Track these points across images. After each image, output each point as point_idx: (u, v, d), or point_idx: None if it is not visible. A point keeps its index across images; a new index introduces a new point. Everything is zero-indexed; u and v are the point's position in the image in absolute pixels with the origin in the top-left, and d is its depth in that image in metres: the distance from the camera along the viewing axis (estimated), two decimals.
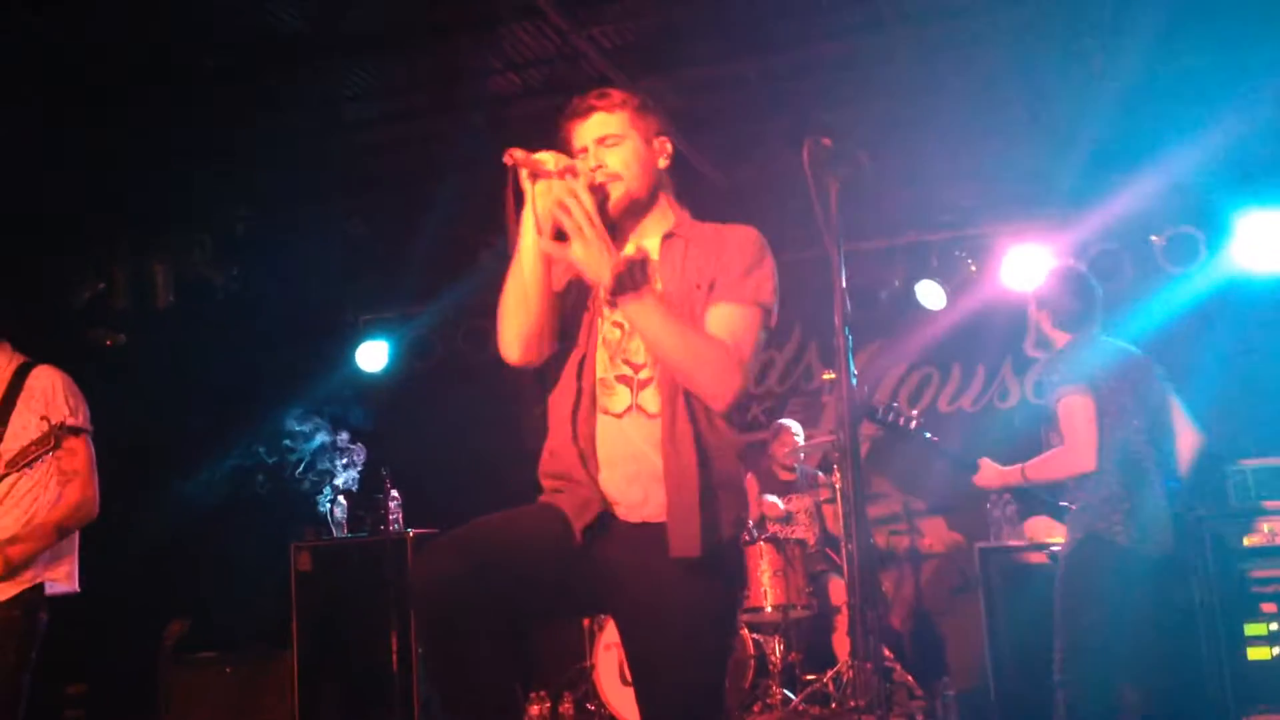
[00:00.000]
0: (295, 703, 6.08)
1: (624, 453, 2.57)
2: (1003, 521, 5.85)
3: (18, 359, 3.77)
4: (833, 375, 4.83)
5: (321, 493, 6.76)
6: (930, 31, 5.09)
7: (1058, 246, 6.23)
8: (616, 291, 2.47)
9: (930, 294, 6.55)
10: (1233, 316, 6.25)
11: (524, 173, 2.52)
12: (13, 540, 3.57)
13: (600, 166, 2.62)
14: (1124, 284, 6.27)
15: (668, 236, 2.67)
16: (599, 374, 2.62)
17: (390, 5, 4.80)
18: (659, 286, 2.62)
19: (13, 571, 3.57)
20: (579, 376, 2.62)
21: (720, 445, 2.58)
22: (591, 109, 2.66)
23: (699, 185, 6.11)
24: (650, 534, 2.52)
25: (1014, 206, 6.34)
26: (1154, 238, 6.20)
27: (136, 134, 5.50)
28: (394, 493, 6.54)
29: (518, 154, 2.51)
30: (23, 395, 3.67)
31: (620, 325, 2.63)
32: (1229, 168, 5.91)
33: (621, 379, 2.61)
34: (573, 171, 2.54)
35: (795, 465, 6.45)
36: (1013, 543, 5.74)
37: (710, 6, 4.91)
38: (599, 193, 2.60)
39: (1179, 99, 5.44)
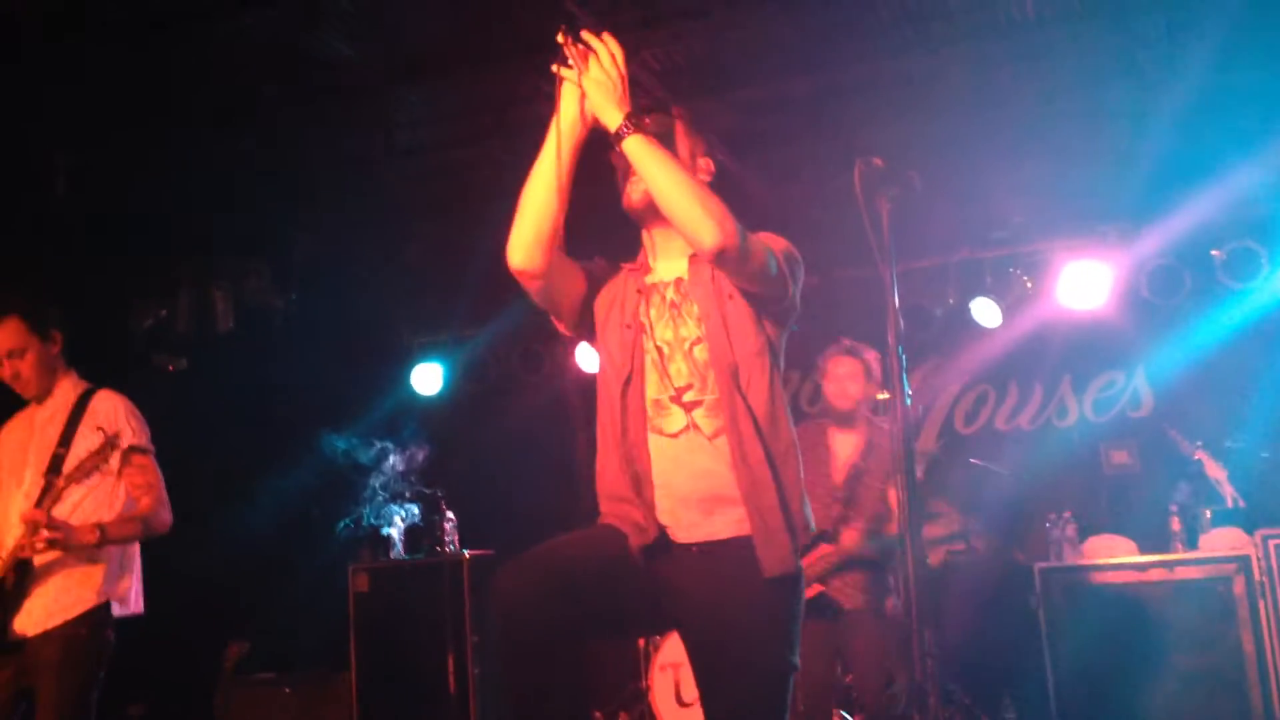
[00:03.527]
0: None
1: (681, 474, 2.58)
2: (1062, 541, 5.78)
3: (82, 385, 3.87)
4: (887, 395, 4.78)
5: (379, 515, 6.81)
6: (984, 48, 5.08)
7: (1115, 262, 6.16)
8: (624, 128, 2.49)
9: (985, 312, 6.49)
10: None
11: (566, 61, 2.54)
12: (109, 524, 3.65)
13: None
14: (1183, 299, 6.19)
15: (692, 257, 2.69)
16: (651, 395, 2.63)
17: (441, 31, 4.86)
18: (697, 309, 2.65)
19: (105, 543, 3.64)
20: (624, 397, 2.64)
21: (784, 452, 2.62)
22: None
23: (748, 205, 6.11)
24: (713, 553, 2.53)
25: (1070, 223, 6.28)
26: (1214, 252, 6.11)
27: (196, 163, 5.62)
28: (449, 514, 6.58)
29: (569, 45, 2.53)
30: (85, 418, 3.76)
31: (661, 350, 2.65)
32: None
33: (674, 400, 2.61)
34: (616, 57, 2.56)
35: None
36: (1073, 562, 5.66)
37: (760, 27, 4.93)
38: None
39: (1238, 112, 5.38)
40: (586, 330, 2.77)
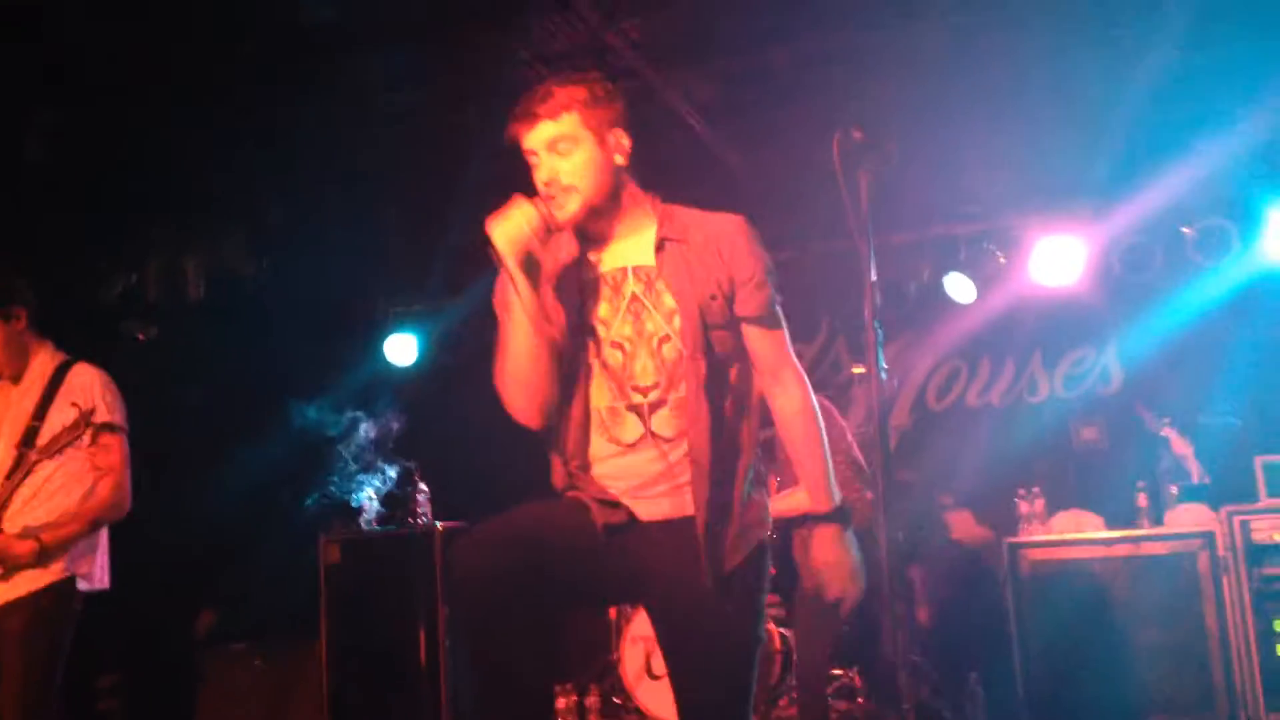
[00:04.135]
0: (325, 694, 6.11)
1: (640, 480, 2.51)
2: (1031, 516, 5.83)
3: (59, 357, 3.83)
4: (862, 369, 4.80)
5: (351, 486, 6.79)
6: (959, 20, 5.06)
7: (1088, 238, 6.19)
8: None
9: (959, 287, 6.52)
10: (1265, 309, 6.19)
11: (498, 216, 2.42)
12: (46, 527, 3.62)
13: (552, 182, 2.48)
14: (1155, 276, 6.23)
15: (663, 243, 2.55)
16: (603, 402, 2.52)
17: None
18: (670, 301, 2.52)
19: (45, 557, 3.61)
20: (577, 402, 2.52)
21: (748, 448, 2.57)
22: (535, 116, 2.48)
23: (726, 178, 6.10)
24: (676, 529, 2.50)
25: (1044, 198, 6.30)
26: (1185, 229, 6.15)
27: (169, 126, 5.55)
28: (422, 486, 6.56)
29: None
30: (61, 390, 3.73)
31: (621, 346, 2.52)
32: (1262, 159, 5.85)
33: (631, 408, 2.51)
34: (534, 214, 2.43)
35: None
36: (1042, 538, 5.71)
37: None
38: (554, 185, 2.48)
39: (1212, 89, 5.39)
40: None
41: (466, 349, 7.46)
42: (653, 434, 2.50)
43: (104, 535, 3.83)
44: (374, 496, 6.70)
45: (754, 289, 2.54)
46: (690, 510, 2.50)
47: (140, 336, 6.52)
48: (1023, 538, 5.75)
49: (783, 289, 2.63)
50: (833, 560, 2.62)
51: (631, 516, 2.51)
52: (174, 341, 6.60)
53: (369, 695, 6.12)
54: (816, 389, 2.71)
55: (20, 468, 3.62)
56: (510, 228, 2.42)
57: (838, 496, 2.63)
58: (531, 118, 2.48)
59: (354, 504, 6.67)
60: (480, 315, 7.22)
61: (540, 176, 2.50)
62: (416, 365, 7.43)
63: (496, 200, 2.47)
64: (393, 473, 6.77)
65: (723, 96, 5.52)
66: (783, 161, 6.14)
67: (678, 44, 5.15)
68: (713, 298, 2.51)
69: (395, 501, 6.62)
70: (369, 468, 6.79)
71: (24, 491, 3.64)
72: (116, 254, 6.43)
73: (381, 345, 7.41)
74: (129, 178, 5.84)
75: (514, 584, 2.31)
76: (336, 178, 6.28)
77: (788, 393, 2.59)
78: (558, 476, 2.60)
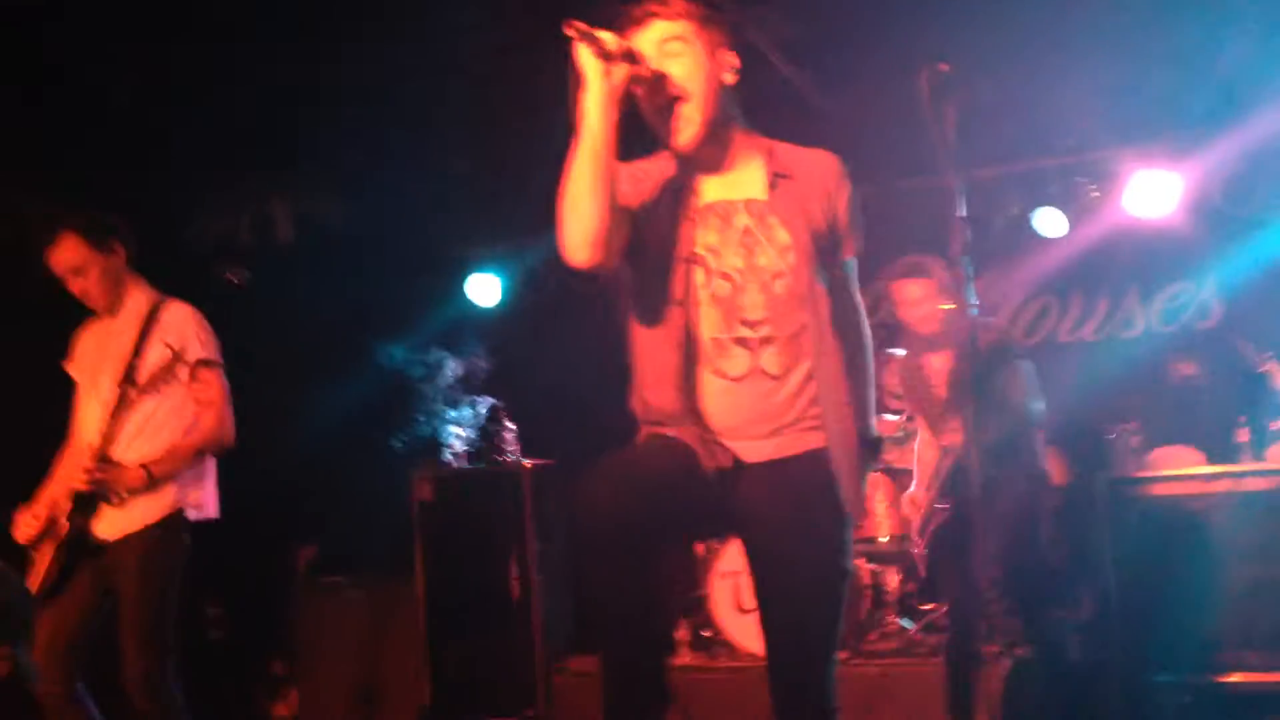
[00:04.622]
0: (420, 628, 6.27)
1: (744, 415, 2.52)
2: (1126, 452, 5.72)
3: (153, 296, 3.94)
4: (951, 305, 4.73)
5: (438, 424, 6.91)
6: None
7: (1186, 171, 6.01)
8: None
9: (1049, 221, 6.38)
10: None
11: (584, 48, 2.37)
12: (153, 461, 3.74)
13: (658, 64, 2.45)
14: (1255, 208, 6.04)
15: (775, 178, 2.55)
16: (709, 334, 2.51)
17: None
18: (784, 236, 2.52)
19: (153, 487, 3.73)
20: (680, 333, 2.49)
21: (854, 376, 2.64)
22: (652, 15, 2.49)
23: (807, 115, 6.02)
24: (777, 467, 2.53)
25: (1140, 130, 6.11)
26: None
27: (256, 76, 5.62)
28: (509, 424, 6.65)
29: (580, 26, 2.36)
30: (156, 328, 3.84)
31: (730, 278, 2.50)
32: None
33: (737, 340, 2.50)
34: (637, 56, 2.40)
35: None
36: (1141, 474, 5.61)
37: None
38: (661, 89, 2.46)
39: None
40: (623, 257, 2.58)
41: (549, 288, 7.51)
42: (761, 369, 2.50)
43: (211, 465, 3.95)
44: (462, 434, 6.81)
45: (851, 227, 2.59)
46: (795, 449, 2.53)
47: (232, 278, 6.67)
48: (1118, 474, 5.64)
49: (869, 226, 2.63)
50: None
51: (737, 460, 2.52)
52: (265, 283, 6.74)
53: (463, 629, 6.27)
54: (897, 327, 2.74)
55: (124, 403, 3.74)
56: (598, 68, 2.38)
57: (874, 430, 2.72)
58: (646, 17, 2.48)
59: (443, 442, 6.79)
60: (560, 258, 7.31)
61: (646, 83, 2.47)
62: (500, 305, 7.50)
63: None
64: (480, 411, 6.86)
65: (805, 32, 5.42)
66: (867, 98, 6.03)
67: None
68: (821, 235, 2.53)
69: (484, 439, 6.72)
70: (456, 406, 6.91)
71: (129, 427, 3.77)
72: (209, 199, 6.56)
73: (465, 286, 7.48)
74: (219, 125, 5.94)
75: (633, 519, 2.35)
76: (420, 122, 6.32)
77: (860, 328, 2.66)
78: (654, 406, 2.57)
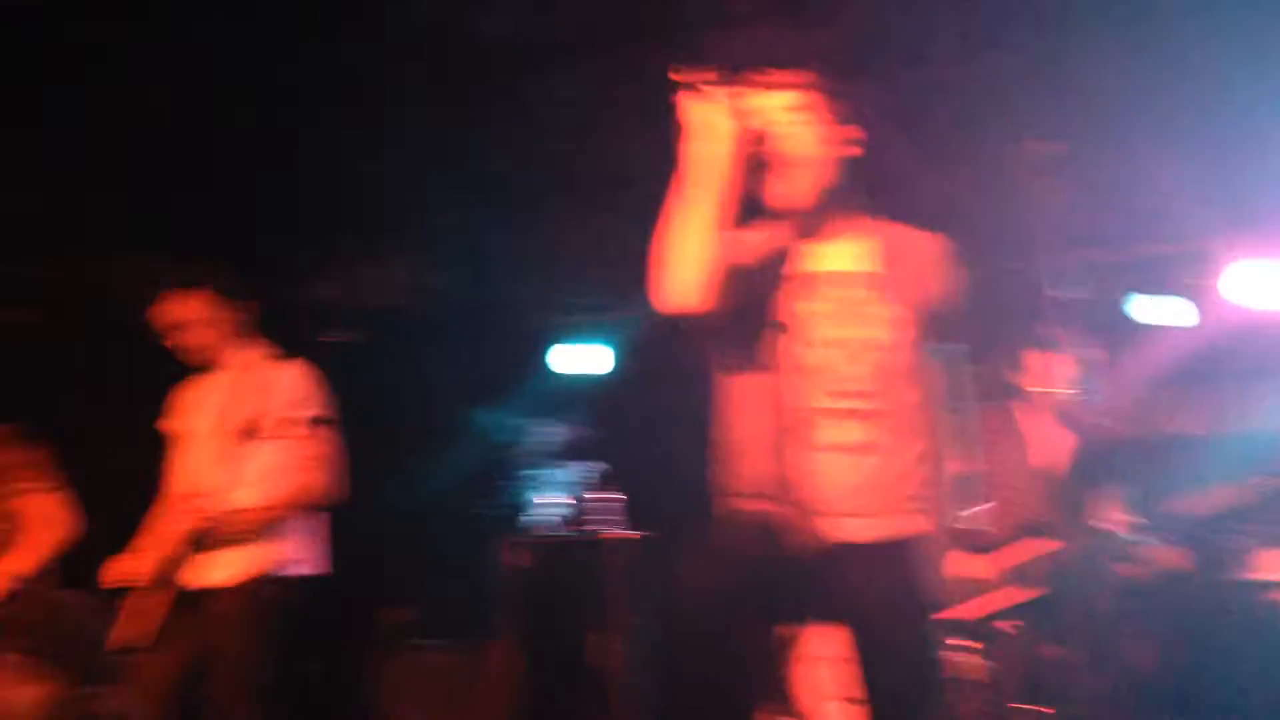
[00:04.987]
0: (506, 693, 6.26)
1: (838, 490, 2.48)
2: (1243, 552, 5.50)
3: (270, 353, 4.06)
4: (1043, 389, 4.65)
5: (533, 491, 6.95)
6: (1154, 27, 4.86)
7: None
8: None
9: (1149, 309, 6.25)
10: None
11: (692, 94, 2.37)
12: (266, 509, 3.82)
13: (778, 128, 2.46)
14: None
15: (881, 252, 2.55)
16: (805, 403, 2.48)
17: (598, 8, 4.88)
18: (888, 309, 2.51)
19: (260, 537, 3.81)
20: (777, 400, 2.47)
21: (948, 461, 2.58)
22: (775, 83, 2.52)
23: (904, 192, 6.01)
24: (871, 550, 2.49)
25: (1241, 218, 5.98)
26: None
27: (365, 146, 5.82)
28: (607, 494, 6.66)
29: (687, 71, 2.36)
30: (273, 384, 3.95)
31: (828, 346, 2.48)
32: None
33: (832, 411, 2.47)
34: (747, 109, 2.39)
35: None
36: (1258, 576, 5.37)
37: (920, 9, 4.83)
38: (778, 155, 2.46)
39: None
40: (721, 321, 2.57)
41: (650, 359, 7.55)
42: (857, 442, 2.47)
43: (318, 522, 4.02)
44: (558, 503, 6.84)
45: (953, 309, 2.56)
46: (894, 531, 2.48)
47: (342, 340, 6.84)
48: (1247, 574, 5.40)
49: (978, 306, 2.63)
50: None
51: (834, 539, 2.48)
52: (370, 347, 6.89)
53: (550, 698, 6.25)
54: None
55: (235, 455, 3.84)
56: (724, 122, 2.38)
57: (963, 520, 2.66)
58: (767, 83, 2.50)
59: (538, 510, 6.82)
60: (664, 323, 7.36)
61: (760, 142, 2.47)
62: (598, 374, 7.56)
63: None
64: (576, 480, 6.90)
65: (900, 108, 5.43)
66: (964, 176, 6.01)
67: (854, 55, 5.10)
68: (928, 313, 2.51)
69: (580, 509, 6.75)
70: (552, 474, 6.95)
71: (241, 478, 3.87)
72: (321, 261, 6.76)
73: (566, 354, 7.56)
74: (329, 194, 6.15)
75: (735, 600, 2.38)
76: (517, 191, 6.46)
77: (961, 411, 2.61)
78: (748, 476, 2.54)
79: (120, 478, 4.26)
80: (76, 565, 3.93)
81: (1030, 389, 4.65)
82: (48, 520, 4.29)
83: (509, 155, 6.04)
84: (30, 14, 4.27)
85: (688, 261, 2.41)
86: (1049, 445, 4.68)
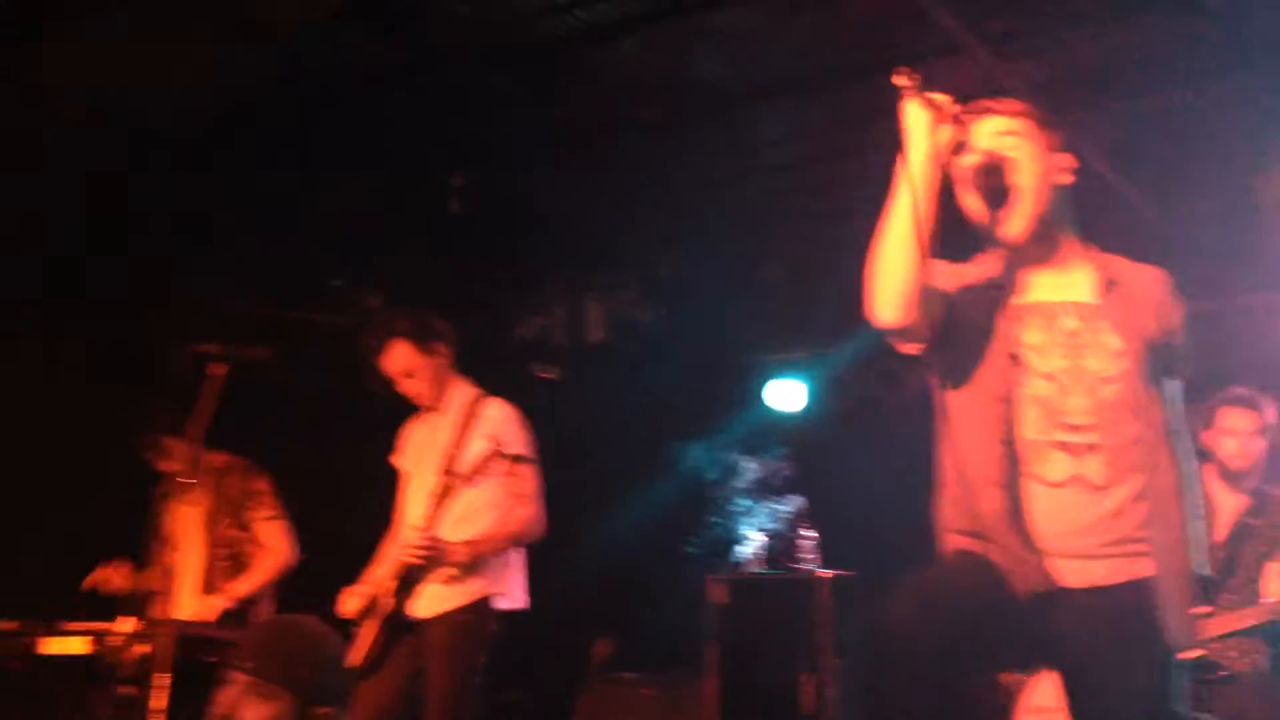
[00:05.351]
0: None
1: (1060, 525, 2.36)
2: None
3: (474, 392, 4.18)
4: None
5: (735, 528, 6.92)
6: None
7: None
8: None
9: None
10: None
11: (912, 101, 2.35)
12: (474, 542, 3.93)
13: (994, 174, 2.41)
14: None
15: (1110, 284, 2.46)
16: (1027, 435, 2.38)
17: (810, 48, 4.88)
18: (1116, 342, 2.41)
19: (469, 570, 3.91)
20: (1003, 430, 2.38)
21: (1190, 509, 2.44)
22: (989, 109, 2.47)
23: (1135, 226, 5.76)
24: (1099, 596, 2.36)
25: None
26: None
27: (572, 183, 5.95)
28: (807, 531, 6.59)
29: (910, 75, 2.32)
30: (477, 423, 4.06)
31: (1054, 379, 2.39)
32: None
33: (1058, 445, 2.37)
34: (964, 121, 2.36)
35: None
36: None
37: (1145, 35, 4.63)
38: (993, 177, 2.41)
39: None
40: (937, 352, 2.51)
41: (851, 395, 7.44)
42: (1082, 477, 2.37)
43: (520, 557, 4.11)
44: (759, 539, 6.80)
45: (1180, 345, 2.46)
46: (1119, 576, 2.36)
47: (545, 376, 6.98)
48: None
49: (1196, 345, 2.50)
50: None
51: (1054, 584, 2.35)
52: (576, 382, 7.01)
53: None
54: None
55: (446, 492, 3.96)
56: (924, 126, 2.37)
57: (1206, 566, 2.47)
58: (985, 110, 2.47)
59: (739, 546, 6.79)
60: (865, 362, 7.28)
61: (977, 167, 2.43)
62: (802, 411, 7.49)
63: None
64: (779, 516, 6.84)
65: (1128, 139, 5.21)
66: (1196, 207, 5.71)
67: (1078, 86, 4.92)
68: (1153, 348, 2.42)
69: (781, 546, 6.68)
70: (755, 510, 6.91)
71: (450, 514, 3.98)
72: (525, 301, 6.93)
73: (767, 391, 7.52)
74: (535, 233, 6.30)
75: (942, 643, 2.24)
76: (724, 228, 6.48)
77: (1187, 452, 2.48)
78: (971, 510, 2.43)
79: (361, 511, 4.45)
80: (314, 591, 4.11)
81: (1228, 463, 4.36)
82: (271, 547, 4.55)
83: (720, 192, 6.08)
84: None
85: (891, 272, 2.37)
86: (1226, 509, 4.37)
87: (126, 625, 3.38)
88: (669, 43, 4.82)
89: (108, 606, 3.57)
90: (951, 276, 2.52)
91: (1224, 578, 4.26)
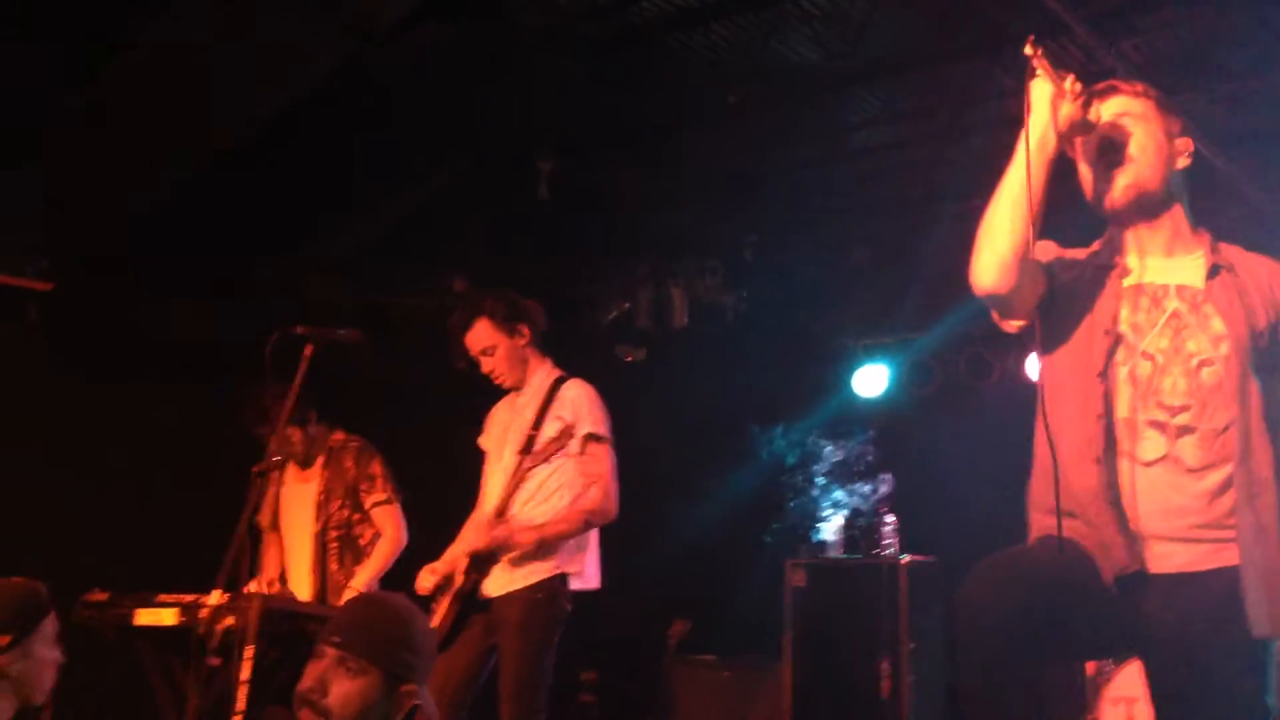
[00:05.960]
0: (787, 713, 6.23)
1: (1152, 505, 2.34)
2: None
3: (555, 373, 4.20)
4: None
5: (817, 512, 6.90)
6: None
7: None
8: None
9: None
10: None
11: (1039, 73, 2.37)
12: (545, 524, 3.95)
13: (1108, 146, 2.43)
14: None
15: (1216, 268, 2.44)
16: (1122, 413, 2.37)
17: (905, 30, 4.82)
18: (1219, 326, 2.38)
19: (543, 548, 3.92)
20: (1101, 406, 2.37)
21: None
22: (1114, 89, 2.49)
23: (1242, 209, 5.61)
24: (1188, 582, 2.32)
25: None
26: None
27: (659, 167, 5.95)
28: (890, 517, 6.55)
29: (1041, 48, 2.35)
30: (553, 404, 4.08)
31: (1153, 358, 2.38)
32: None
33: (1153, 424, 2.35)
34: (1084, 98, 2.38)
35: None
36: None
37: (1252, 14, 4.50)
38: (1110, 150, 2.44)
39: None
40: (1037, 329, 2.48)
41: (936, 381, 7.37)
42: (1176, 458, 2.34)
43: (594, 537, 4.12)
44: (840, 524, 6.77)
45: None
46: (1207, 563, 2.32)
47: (630, 359, 7.01)
48: None
49: None
50: None
51: (1141, 569, 2.32)
52: (660, 365, 7.03)
53: (827, 719, 6.17)
54: None
55: (518, 472, 3.99)
56: (1047, 98, 2.39)
57: None
58: (1109, 90, 2.50)
59: (820, 530, 6.77)
60: (950, 349, 7.19)
61: (1095, 140, 2.45)
62: (885, 396, 7.44)
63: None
64: (859, 502, 6.81)
65: (1233, 121, 5.06)
66: None
67: (1183, 65, 4.80)
68: (1260, 335, 2.39)
69: (862, 531, 6.65)
70: (835, 495, 6.88)
71: (522, 494, 4.00)
72: (611, 286, 6.95)
73: (851, 376, 7.48)
74: (621, 218, 6.31)
75: (1019, 625, 2.21)
76: (812, 211, 6.44)
77: None
78: (1067, 485, 2.38)
79: (449, 490, 4.51)
80: (409, 572, 4.18)
81: None
82: (386, 533, 4.56)
83: (806, 176, 6.04)
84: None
85: (998, 238, 2.38)
86: None
87: (215, 598, 3.46)
88: (756, 26, 4.79)
89: (205, 580, 3.67)
90: (1059, 255, 2.55)
91: None
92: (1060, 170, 2.45)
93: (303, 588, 4.54)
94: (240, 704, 3.17)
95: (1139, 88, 2.52)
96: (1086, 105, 2.40)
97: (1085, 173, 2.52)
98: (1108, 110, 2.47)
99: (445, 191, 5.58)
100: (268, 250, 5.50)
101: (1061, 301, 2.48)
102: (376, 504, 4.57)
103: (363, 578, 4.47)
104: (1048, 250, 2.53)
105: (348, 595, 4.39)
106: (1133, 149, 2.44)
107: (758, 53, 4.96)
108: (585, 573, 4.08)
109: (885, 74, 5.16)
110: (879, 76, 5.19)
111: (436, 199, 5.61)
